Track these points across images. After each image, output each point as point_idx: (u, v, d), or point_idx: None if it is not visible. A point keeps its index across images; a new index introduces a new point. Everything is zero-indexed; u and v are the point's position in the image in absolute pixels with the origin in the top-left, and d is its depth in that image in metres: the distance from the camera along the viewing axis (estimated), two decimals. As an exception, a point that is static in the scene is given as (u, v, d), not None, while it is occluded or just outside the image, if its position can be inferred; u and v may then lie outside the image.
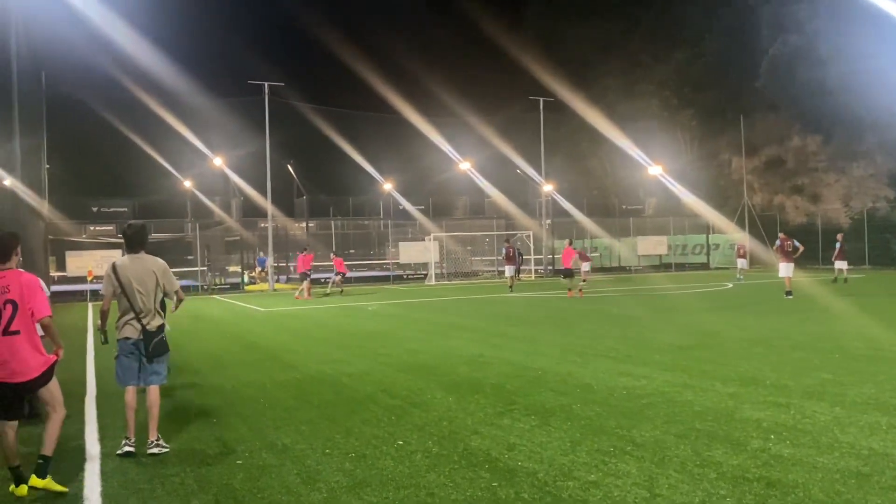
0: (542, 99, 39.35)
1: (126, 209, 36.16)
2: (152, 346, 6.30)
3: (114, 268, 6.37)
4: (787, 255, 19.51)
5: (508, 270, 27.23)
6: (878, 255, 34.98)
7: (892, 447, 5.53)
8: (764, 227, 39.91)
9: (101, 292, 6.54)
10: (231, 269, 39.62)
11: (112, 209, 36.26)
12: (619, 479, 5.00)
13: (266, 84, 33.78)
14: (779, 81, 40.64)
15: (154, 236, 38.11)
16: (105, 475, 5.58)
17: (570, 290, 22.32)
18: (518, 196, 44.83)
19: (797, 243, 19.88)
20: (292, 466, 5.59)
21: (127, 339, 6.27)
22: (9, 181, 23.86)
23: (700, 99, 45.97)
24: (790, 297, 19.01)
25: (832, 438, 5.82)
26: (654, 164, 43.54)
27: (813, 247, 33.62)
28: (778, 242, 19.95)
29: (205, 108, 43.00)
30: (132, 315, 6.28)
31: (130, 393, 6.31)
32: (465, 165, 44.69)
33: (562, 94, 43.33)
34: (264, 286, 32.90)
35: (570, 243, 23.96)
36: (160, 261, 6.55)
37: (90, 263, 28.43)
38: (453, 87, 49.73)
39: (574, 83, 44.19)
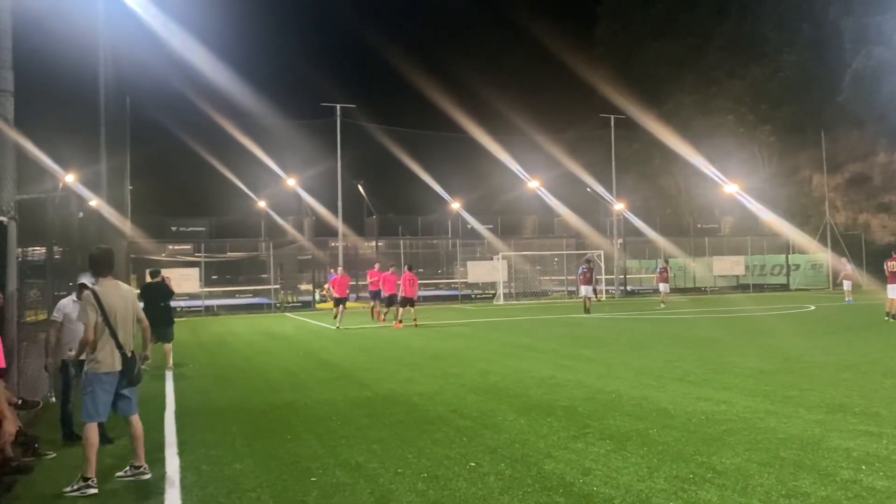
0: (612, 116, 38.88)
1: (203, 228, 37.21)
2: (137, 372, 6.13)
3: (95, 295, 5.97)
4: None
5: (585, 290, 25.00)
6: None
7: None
8: (848, 246, 38.28)
9: (83, 322, 6.05)
10: (303, 287, 40.31)
11: (190, 228, 37.40)
12: (700, 509, 4.82)
13: (338, 106, 34.47)
14: (863, 95, 39.11)
15: (229, 255, 39.23)
16: (185, 489, 5.70)
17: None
18: (589, 215, 44.25)
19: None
20: (365, 485, 5.60)
21: (108, 373, 5.92)
22: (95, 201, 24.96)
23: (778, 115, 44.64)
24: (893, 320, 18.16)
25: (931, 471, 5.49)
26: (729, 182, 42.41)
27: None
28: (887, 263, 19.05)
29: (278, 130, 44.17)
30: (113, 344, 5.96)
31: (95, 430, 5.92)
32: (534, 184, 44.47)
33: (633, 112, 42.72)
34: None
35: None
36: (130, 287, 6.85)
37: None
38: (522, 105, 49.79)
39: (646, 100, 43.60)
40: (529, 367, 11.58)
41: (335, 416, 8.24)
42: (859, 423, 7.04)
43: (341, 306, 21.43)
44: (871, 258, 36.89)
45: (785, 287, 39.43)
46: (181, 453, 6.81)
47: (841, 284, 27.01)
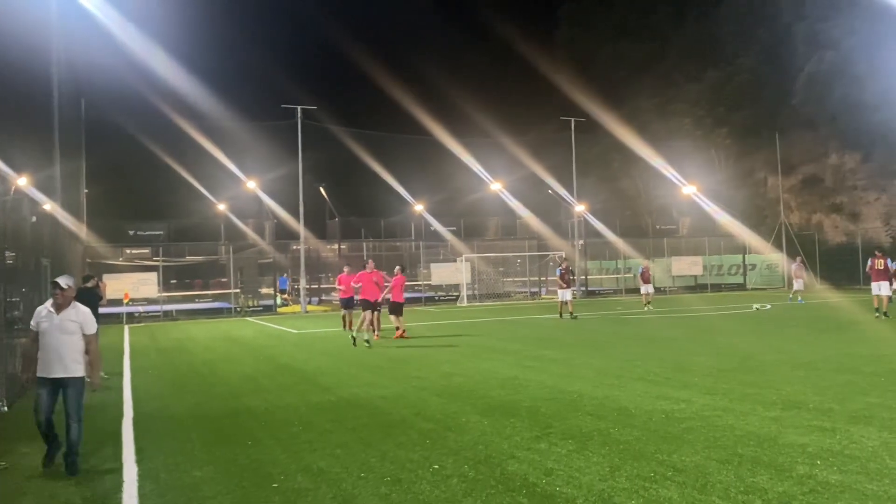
0: (573, 119, 39.24)
1: (162, 232, 36.71)
2: None
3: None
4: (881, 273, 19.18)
5: (563, 294, 22.60)
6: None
7: (946, 475, 5.33)
8: (802, 246, 39.19)
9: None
10: (264, 291, 39.94)
11: (148, 232, 36.83)
12: (660, 507, 4.88)
13: (299, 108, 34.21)
14: (815, 99, 40.13)
15: (188, 259, 38.67)
16: (143, 497, 5.59)
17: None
18: (550, 217, 44.65)
19: (889, 262, 19.60)
20: (328, 490, 5.55)
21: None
22: (49, 205, 24.39)
23: (734, 117, 45.50)
24: (880, 316, 18.68)
25: (881, 464, 5.63)
26: (687, 184, 43.13)
27: (854, 267, 32.96)
28: (870, 262, 19.64)
29: (238, 132, 43.71)
30: None
31: None
32: (496, 186, 44.70)
33: (594, 114, 43.23)
34: (296, 308, 33.09)
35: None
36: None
37: (127, 286, 28.83)
38: (484, 107, 50.00)
39: (606, 103, 44.08)
40: (493, 369, 11.61)
41: (297, 420, 8.16)
42: (813, 420, 7.20)
43: (349, 312, 19.01)
44: (825, 258, 37.87)
45: (741, 287, 40.19)
46: (139, 461, 6.68)
47: (794, 284, 27.48)
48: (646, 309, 25.09)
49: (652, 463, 5.91)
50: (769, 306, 25.67)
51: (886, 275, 19.29)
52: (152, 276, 30.74)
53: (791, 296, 26.84)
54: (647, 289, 26.48)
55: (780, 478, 5.39)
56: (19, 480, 6.17)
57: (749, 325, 19.01)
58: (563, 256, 27.78)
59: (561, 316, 22.28)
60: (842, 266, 35.83)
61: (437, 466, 6.06)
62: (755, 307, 24.60)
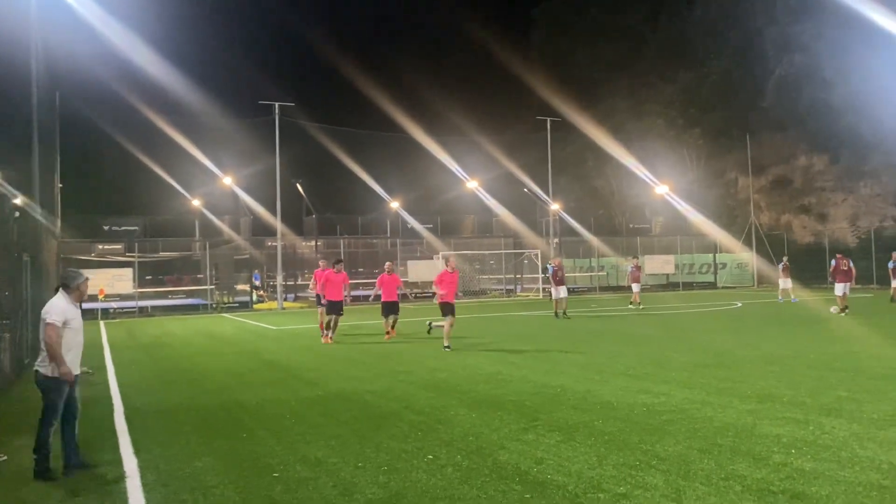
0: (549, 119, 39.65)
1: (137, 227, 36.41)
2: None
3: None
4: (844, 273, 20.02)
5: (556, 292, 21.87)
6: (885, 275, 34.99)
7: (911, 462, 5.68)
8: (771, 246, 40.05)
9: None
10: (240, 287, 39.81)
11: (123, 227, 36.49)
12: (647, 492, 5.15)
13: (276, 104, 34.17)
14: (785, 101, 41.02)
15: (162, 255, 38.41)
16: (146, 487, 5.75)
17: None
18: (526, 215, 45.03)
19: (850, 263, 20.48)
20: (328, 479, 5.75)
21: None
22: (20, 200, 24.15)
23: (706, 118, 46.26)
24: (843, 314, 19.47)
25: (852, 453, 5.96)
26: (660, 184, 43.78)
27: (821, 266, 33.75)
28: (833, 262, 20.45)
29: (215, 127, 43.50)
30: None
31: None
32: (472, 184, 44.99)
33: (569, 114, 43.67)
34: (273, 304, 33.09)
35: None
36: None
37: (101, 282, 28.64)
38: (461, 106, 50.25)
39: (581, 103, 44.57)
40: (476, 364, 11.86)
41: (288, 414, 8.33)
42: (787, 412, 7.55)
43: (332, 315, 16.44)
44: (793, 257, 38.75)
45: (712, 285, 40.94)
46: (137, 453, 6.81)
47: (778, 283, 27.68)
48: (638, 307, 24.76)
49: (637, 452, 6.19)
50: (796, 299, 26.24)
51: (850, 275, 20.04)
52: (127, 272, 30.58)
53: (781, 296, 27.04)
54: (637, 287, 25.79)
55: (758, 465, 5.70)
56: (19, 472, 6.27)
57: (723, 322, 19.50)
58: (556, 255, 27.27)
59: (556, 315, 21.53)
60: (810, 265, 36.63)
61: (431, 457, 6.29)
62: (792, 299, 25.74)
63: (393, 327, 16.89)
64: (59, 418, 6.24)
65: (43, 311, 6.25)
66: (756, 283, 40.52)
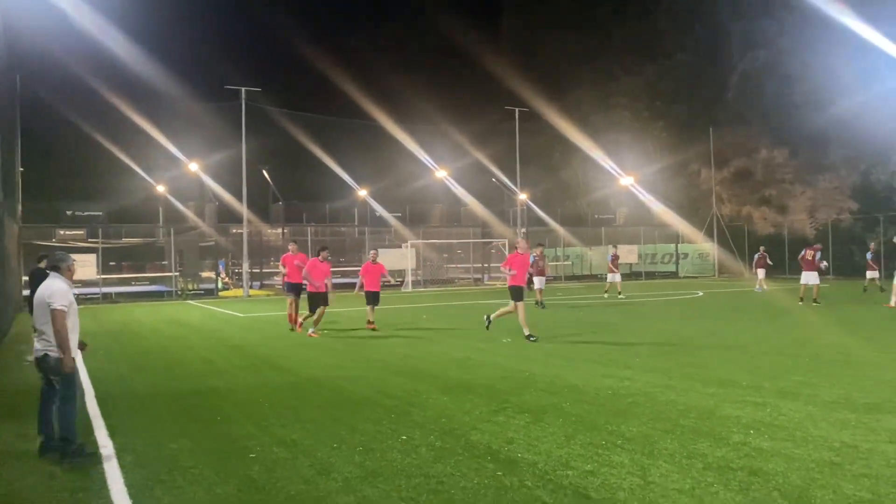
0: (517, 109, 39.93)
1: (101, 213, 35.93)
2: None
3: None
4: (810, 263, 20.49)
5: (537, 282, 21.57)
6: (842, 266, 36.03)
7: (860, 440, 6.00)
8: (732, 237, 40.93)
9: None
10: (205, 274, 39.53)
11: (86, 213, 35.98)
12: (613, 469, 5.39)
13: (243, 89, 33.91)
14: (748, 95, 41.86)
15: (125, 241, 37.96)
16: (124, 468, 5.83)
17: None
18: (494, 205, 45.36)
19: (819, 254, 21.00)
20: (305, 459, 5.89)
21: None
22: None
23: (671, 111, 46.99)
24: (808, 303, 19.83)
25: (806, 433, 6.28)
26: (625, 175, 44.40)
27: (781, 257, 34.57)
28: (803, 252, 20.98)
29: (180, 113, 42.98)
30: None
31: None
32: (441, 173, 45.13)
33: (537, 105, 44.04)
34: (238, 292, 32.94)
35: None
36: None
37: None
38: (430, 96, 50.37)
39: (548, 94, 44.97)
40: (446, 350, 12.06)
41: (263, 399, 8.43)
42: (746, 395, 7.86)
43: (294, 297, 16.32)
44: (754, 248, 39.75)
45: (674, 275, 41.71)
46: (112, 436, 6.87)
47: (756, 273, 27.87)
48: (617, 296, 24.50)
49: (603, 433, 6.44)
50: (759, 289, 26.61)
51: (815, 265, 20.60)
52: (91, 258, 30.18)
53: (758, 286, 26.93)
54: (614, 277, 25.34)
55: (719, 445, 5.98)
56: (-5, 454, 6.30)
57: (685, 310, 19.96)
58: (538, 242, 26.53)
59: (537, 304, 21.00)
60: (770, 256, 37.57)
61: (405, 437, 6.46)
62: (756, 288, 26.14)
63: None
64: (77, 393, 6.35)
65: (46, 296, 6.10)
66: (717, 273, 41.37)
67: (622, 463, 5.55)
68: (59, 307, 6.05)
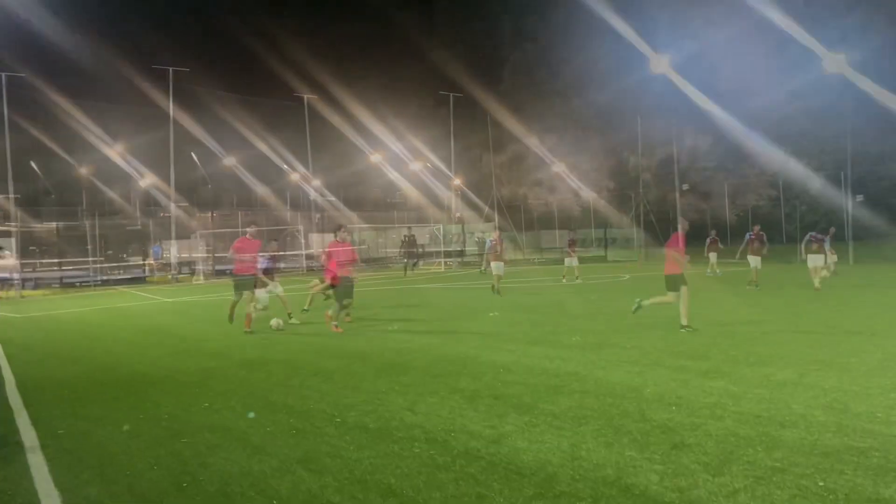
0: (451, 94, 39.92)
1: (19, 195, 34.36)
2: None
3: None
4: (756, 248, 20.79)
5: (496, 268, 20.26)
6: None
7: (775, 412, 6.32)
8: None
9: None
10: (132, 260, 38.44)
11: (2, 195, 34.35)
12: (544, 446, 5.55)
13: (171, 69, 32.98)
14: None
15: (44, 225, 36.51)
16: (49, 458, 5.68)
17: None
18: (428, 189, 45.46)
19: (765, 238, 21.15)
20: (237, 444, 5.86)
21: None
22: None
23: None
24: (752, 287, 19.59)
25: (724, 409, 6.54)
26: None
27: (702, 241, 35.61)
28: (749, 235, 20.75)
29: (104, 92, 41.43)
30: None
31: None
32: (376, 158, 44.94)
33: (472, 91, 44.22)
34: (166, 277, 32.20)
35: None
36: None
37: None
38: (366, 78, 49.79)
39: (484, 79, 45.27)
40: (381, 336, 12.08)
41: (192, 385, 8.32)
42: (671, 375, 8.15)
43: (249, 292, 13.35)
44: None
45: (603, 259, 42.67)
46: (35, 424, 6.69)
47: (708, 257, 27.37)
48: (577, 282, 23.84)
49: (534, 411, 6.60)
50: (712, 272, 27.34)
51: (761, 250, 20.85)
52: (8, 243, 29.02)
53: (709, 269, 25.88)
54: (571, 262, 24.59)
55: (643, 420, 6.20)
56: None
57: (611, 292, 20.40)
58: (495, 226, 24.97)
59: (493, 289, 19.87)
60: (696, 241, 39.39)
61: (339, 420, 6.49)
62: (708, 272, 25.72)
63: (348, 314, 13.93)
64: None
65: None
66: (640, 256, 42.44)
67: (551, 441, 5.70)
68: None
